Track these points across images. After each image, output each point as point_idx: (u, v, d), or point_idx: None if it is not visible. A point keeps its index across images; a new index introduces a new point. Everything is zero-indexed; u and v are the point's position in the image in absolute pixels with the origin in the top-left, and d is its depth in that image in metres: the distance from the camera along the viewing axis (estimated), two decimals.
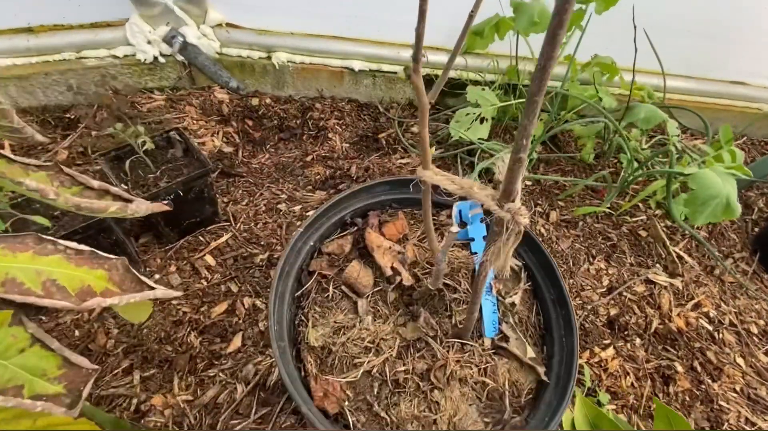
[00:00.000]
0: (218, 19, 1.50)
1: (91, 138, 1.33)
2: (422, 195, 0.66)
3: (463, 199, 0.94)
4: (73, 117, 1.41)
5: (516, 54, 1.62)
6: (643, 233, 1.56)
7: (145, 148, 1.06)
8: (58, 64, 1.37)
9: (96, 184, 0.55)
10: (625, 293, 1.39)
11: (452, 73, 1.78)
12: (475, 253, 0.89)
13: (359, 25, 1.63)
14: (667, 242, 1.53)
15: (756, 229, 1.67)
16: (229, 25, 1.54)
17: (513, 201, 0.45)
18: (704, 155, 1.56)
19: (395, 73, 1.73)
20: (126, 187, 1.05)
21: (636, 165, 1.43)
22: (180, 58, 1.49)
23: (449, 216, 0.95)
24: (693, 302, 1.42)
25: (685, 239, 1.59)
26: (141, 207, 0.58)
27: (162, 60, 1.48)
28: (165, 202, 0.77)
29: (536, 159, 1.61)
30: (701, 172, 1.25)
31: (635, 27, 1.38)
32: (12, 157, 0.48)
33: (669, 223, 1.62)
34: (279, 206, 1.34)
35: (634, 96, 1.61)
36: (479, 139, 1.51)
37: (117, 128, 1.01)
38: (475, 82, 1.76)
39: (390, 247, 0.87)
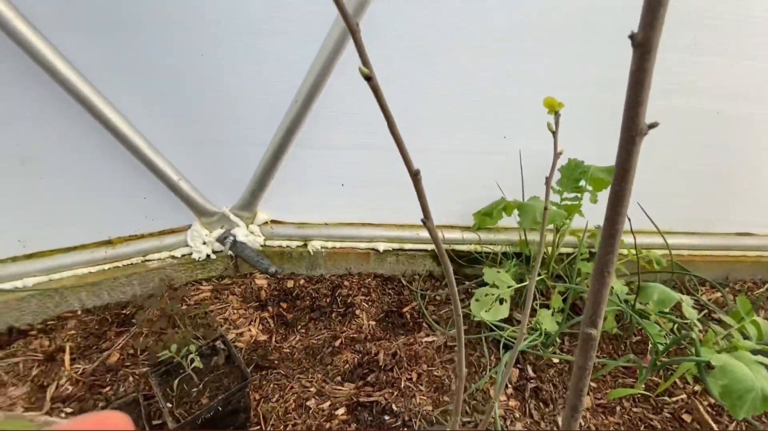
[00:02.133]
0: (265, 218, 1.76)
1: (142, 338, 1.46)
2: None
3: None
4: (128, 313, 1.57)
5: (524, 229, 1.79)
6: (687, 417, 1.47)
7: (193, 365, 1.16)
8: (125, 269, 1.59)
9: None
10: None
11: (466, 247, 1.95)
12: None
13: (383, 213, 1.87)
14: (715, 428, 1.44)
15: None
16: (273, 221, 1.80)
17: None
18: (728, 327, 1.56)
19: (416, 250, 1.92)
20: (170, 406, 1.12)
21: (662, 345, 1.44)
22: (230, 253, 1.71)
23: None
24: None
25: (733, 421, 1.49)
26: None
27: (213, 256, 1.70)
28: None
29: (560, 336, 1.64)
30: (729, 364, 1.25)
31: (630, 220, 1.55)
32: None
33: (711, 400, 1.54)
34: (308, 403, 1.37)
35: (643, 267, 1.71)
36: (499, 320, 1.57)
37: (172, 351, 1.12)
38: (489, 256, 1.91)
39: None
